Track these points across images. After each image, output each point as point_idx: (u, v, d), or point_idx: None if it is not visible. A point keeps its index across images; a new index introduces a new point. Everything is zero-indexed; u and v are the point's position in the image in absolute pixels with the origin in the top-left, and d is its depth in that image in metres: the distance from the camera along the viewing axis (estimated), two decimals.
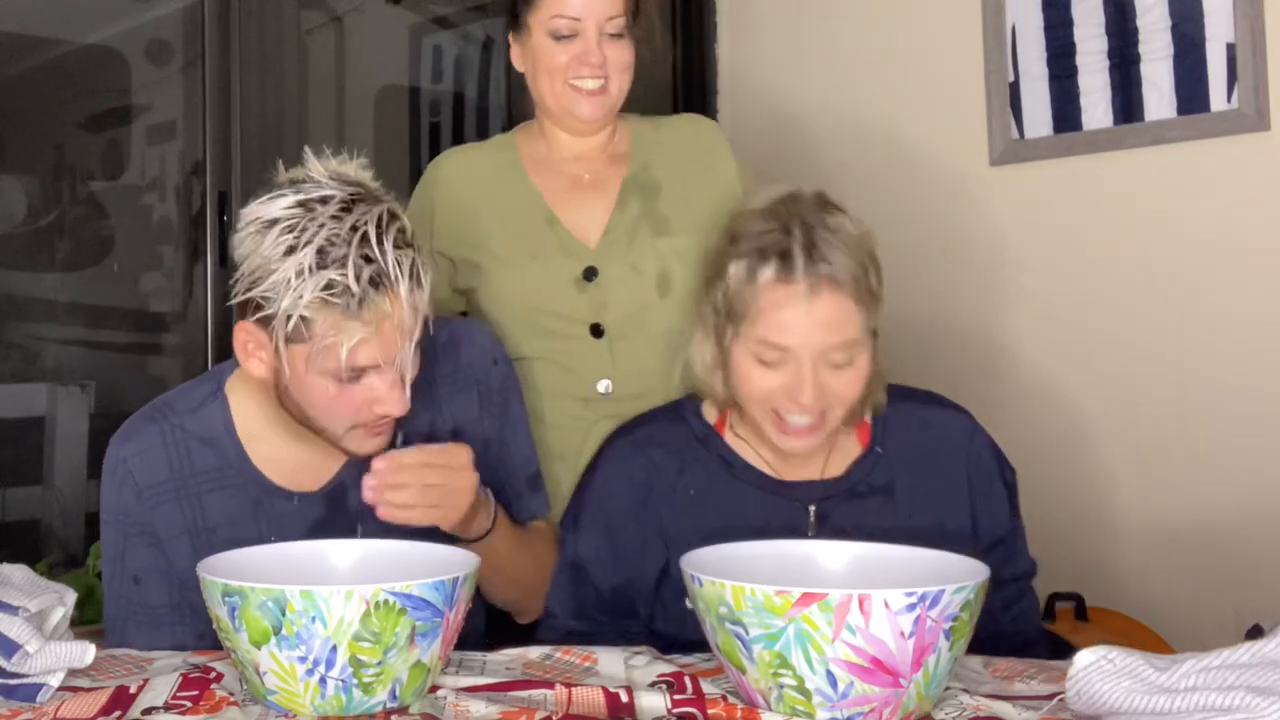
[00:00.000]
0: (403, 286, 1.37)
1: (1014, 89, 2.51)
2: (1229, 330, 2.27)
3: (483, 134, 2.94)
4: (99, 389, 2.63)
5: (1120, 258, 2.39)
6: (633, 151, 1.95)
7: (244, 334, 1.44)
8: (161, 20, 2.66)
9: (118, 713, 1.24)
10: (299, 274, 1.34)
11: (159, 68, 2.68)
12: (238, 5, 2.51)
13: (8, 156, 2.55)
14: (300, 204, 1.37)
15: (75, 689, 1.31)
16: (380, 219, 1.37)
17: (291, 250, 1.35)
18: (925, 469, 1.60)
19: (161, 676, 1.33)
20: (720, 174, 1.96)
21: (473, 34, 3.04)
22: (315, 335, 1.37)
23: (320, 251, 1.34)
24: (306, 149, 1.45)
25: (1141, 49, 2.34)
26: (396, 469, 1.43)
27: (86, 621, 2.05)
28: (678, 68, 3.06)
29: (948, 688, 1.29)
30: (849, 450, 1.62)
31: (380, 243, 1.36)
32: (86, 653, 1.34)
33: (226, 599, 1.23)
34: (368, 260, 1.35)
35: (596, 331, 1.87)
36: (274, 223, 1.37)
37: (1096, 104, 2.40)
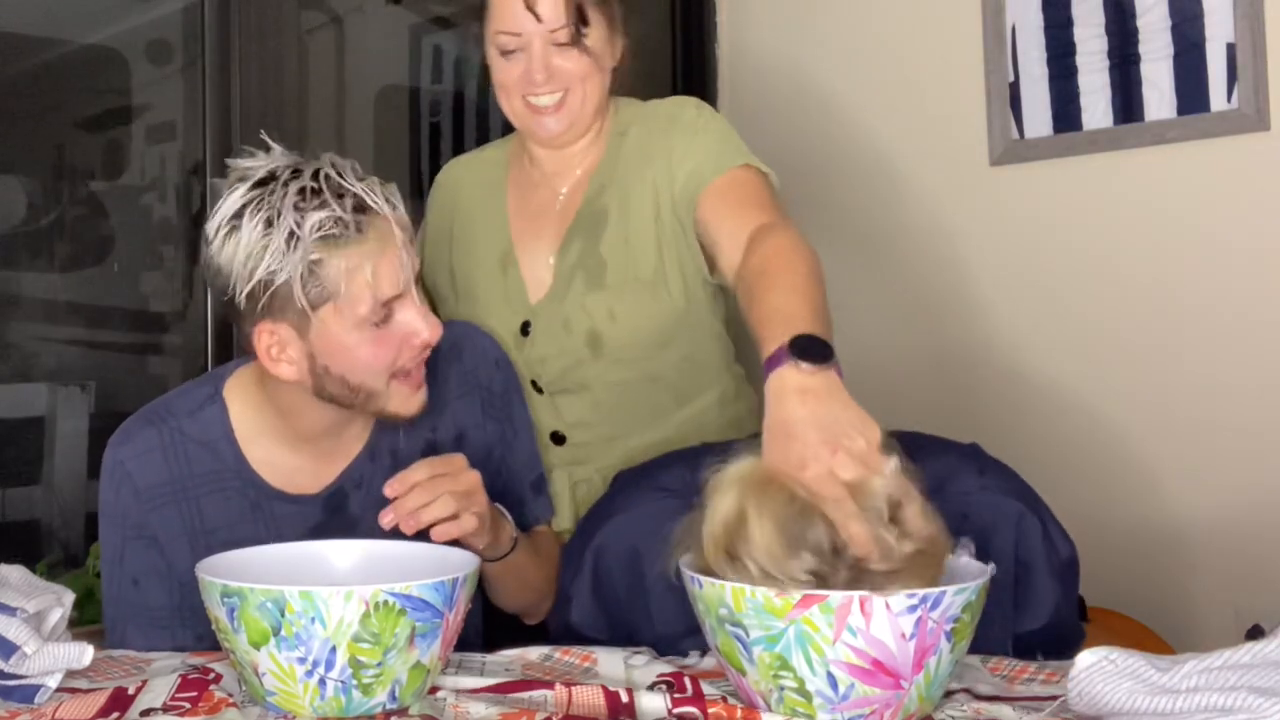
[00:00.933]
0: (384, 206, 1.39)
1: (1014, 89, 2.51)
2: (1229, 330, 2.27)
3: (483, 134, 2.94)
4: (99, 389, 2.63)
5: (1120, 258, 2.39)
6: (598, 167, 1.84)
7: (265, 337, 1.42)
8: (161, 20, 2.66)
9: (116, 714, 1.24)
10: (291, 234, 1.35)
11: (159, 68, 2.68)
12: (238, 5, 2.51)
13: (8, 156, 2.55)
14: (254, 186, 1.38)
15: (74, 690, 1.31)
16: (332, 163, 1.40)
17: (270, 222, 1.36)
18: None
19: (160, 678, 1.33)
20: (672, 144, 1.79)
21: (473, 34, 3.04)
22: (333, 280, 1.37)
23: (297, 208, 1.35)
24: (227, 160, 1.45)
25: (1141, 49, 2.33)
26: (409, 487, 1.43)
27: (86, 621, 2.05)
28: (677, 68, 3.05)
29: (949, 690, 1.29)
30: None
31: (343, 177, 1.38)
32: (84, 654, 1.34)
33: (225, 600, 1.23)
34: (342, 195, 1.37)
35: (536, 388, 1.82)
36: (240, 213, 1.37)
37: (1096, 104, 2.40)
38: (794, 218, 1.70)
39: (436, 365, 1.55)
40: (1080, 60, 2.42)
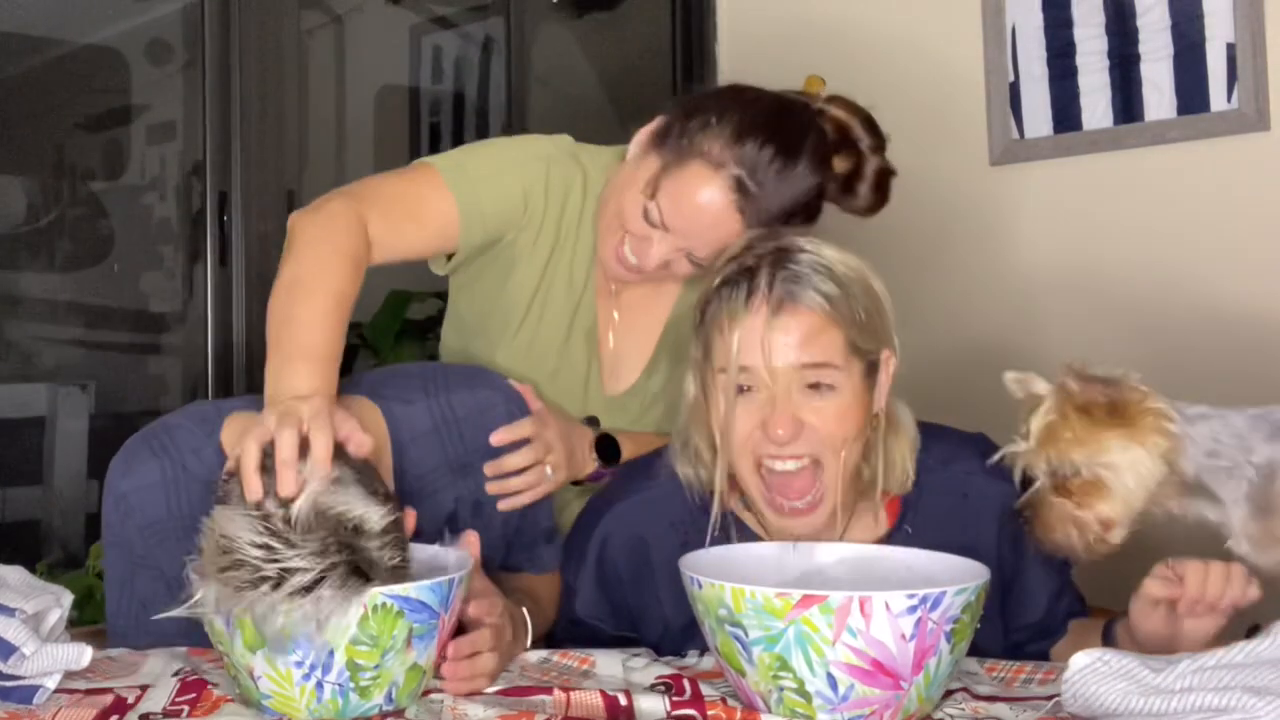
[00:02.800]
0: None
1: (1014, 89, 2.51)
2: (1229, 330, 2.26)
3: (482, 134, 2.92)
4: (99, 389, 2.63)
5: (1120, 258, 2.39)
6: (684, 287, 1.75)
7: None
8: (161, 20, 2.66)
9: (115, 717, 1.24)
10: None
11: (159, 68, 2.68)
12: (238, 5, 2.51)
13: (8, 156, 2.55)
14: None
15: (72, 691, 1.31)
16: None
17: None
18: (955, 549, 1.39)
19: (159, 684, 1.33)
20: None
21: (473, 34, 3.04)
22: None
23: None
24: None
25: (1141, 49, 2.33)
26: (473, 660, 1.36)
27: (85, 622, 2.05)
28: (678, 81, 3.05)
29: (947, 689, 1.29)
30: (873, 529, 1.50)
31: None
32: (83, 655, 1.34)
33: None
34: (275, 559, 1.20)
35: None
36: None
37: (1096, 104, 2.39)
38: None
39: (461, 438, 1.55)
40: (1080, 60, 2.41)
